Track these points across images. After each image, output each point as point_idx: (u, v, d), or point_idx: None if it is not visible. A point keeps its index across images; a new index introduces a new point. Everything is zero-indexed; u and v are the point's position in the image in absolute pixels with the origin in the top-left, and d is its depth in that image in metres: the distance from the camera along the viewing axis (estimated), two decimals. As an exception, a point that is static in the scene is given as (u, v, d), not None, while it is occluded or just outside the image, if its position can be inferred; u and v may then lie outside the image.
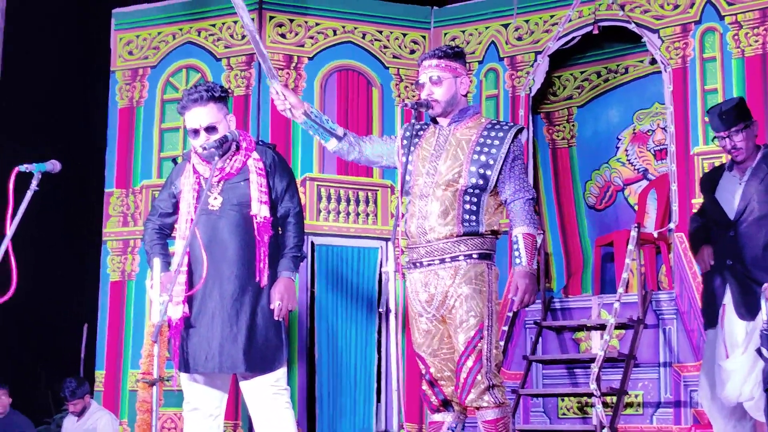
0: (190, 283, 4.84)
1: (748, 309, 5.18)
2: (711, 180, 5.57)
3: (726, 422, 5.33)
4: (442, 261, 4.48)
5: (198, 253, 4.82)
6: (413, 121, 4.64)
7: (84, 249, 9.48)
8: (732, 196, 5.34)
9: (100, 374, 8.10)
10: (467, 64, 4.91)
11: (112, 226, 8.25)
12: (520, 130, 4.57)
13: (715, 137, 5.48)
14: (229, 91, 5.07)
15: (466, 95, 4.64)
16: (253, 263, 4.86)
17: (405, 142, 4.57)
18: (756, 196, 5.25)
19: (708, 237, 5.48)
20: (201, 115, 4.86)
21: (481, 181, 4.47)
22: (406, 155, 4.48)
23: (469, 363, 4.39)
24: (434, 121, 4.66)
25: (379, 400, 7.81)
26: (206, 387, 4.93)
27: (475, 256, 4.46)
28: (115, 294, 8.11)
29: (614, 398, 7.02)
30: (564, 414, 7.66)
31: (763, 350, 4.92)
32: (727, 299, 5.26)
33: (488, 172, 4.47)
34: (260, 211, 4.85)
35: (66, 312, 10.21)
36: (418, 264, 4.54)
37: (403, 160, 4.48)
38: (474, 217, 4.47)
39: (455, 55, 4.61)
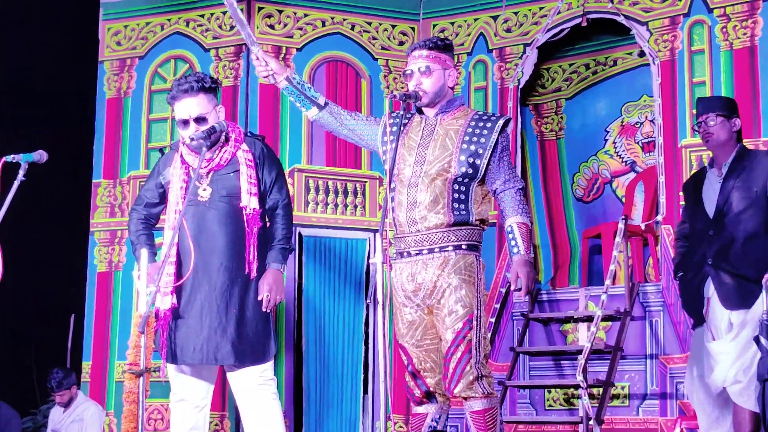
0: (178, 274, 4.83)
1: (734, 301, 5.20)
2: (695, 181, 5.59)
3: (711, 411, 5.35)
4: (431, 251, 4.49)
5: (186, 244, 4.82)
6: (401, 111, 4.64)
7: (71, 240, 9.45)
8: (713, 194, 5.37)
9: (86, 365, 8.08)
10: (455, 57, 4.92)
11: (99, 216, 8.23)
12: (507, 122, 4.59)
13: (695, 124, 5.50)
14: (219, 82, 5.05)
15: (453, 87, 4.65)
16: (242, 255, 4.85)
17: (394, 129, 4.57)
18: (733, 192, 5.27)
19: (688, 250, 5.50)
20: (191, 105, 4.85)
21: (470, 170, 4.49)
22: (395, 142, 4.48)
23: (458, 353, 4.40)
24: (420, 111, 4.66)
25: (366, 391, 7.82)
26: (193, 378, 4.93)
27: (464, 246, 4.48)
28: (102, 285, 8.09)
29: (600, 390, 7.04)
30: (550, 405, 7.67)
31: (762, 339, 4.94)
32: (711, 293, 5.28)
33: (477, 162, 4.49)
34: (250, 202, 4.85)
35: (53, 302, 10.18)
36: (405, 254, 4.54)
37: (392, 146, 4.48)
38: (463, 206, 4.48)
39: (445, 47, 4.63)
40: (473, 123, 4.56)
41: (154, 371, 4.55)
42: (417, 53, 4.60)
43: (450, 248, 4.47)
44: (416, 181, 4.51)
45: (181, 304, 4.84)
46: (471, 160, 4.49)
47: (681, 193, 7.24)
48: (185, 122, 4.86)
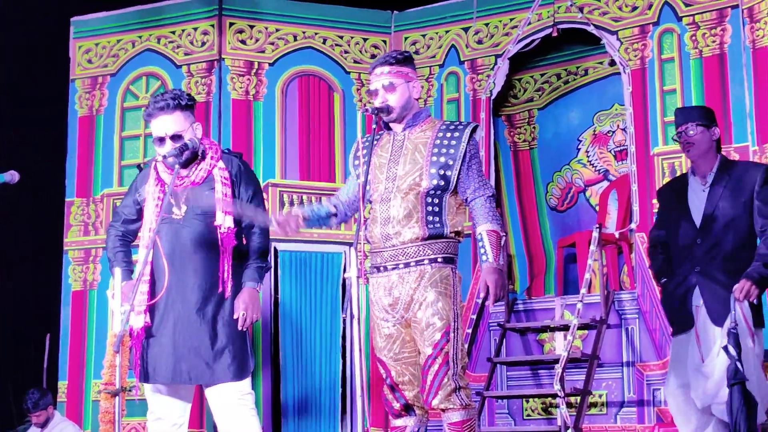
0: (152, 293, 4.81)
1: (720, 314, 5.21)
2: (675, 189, 5.56)
3: (697, 420, 5.33)
4: (407, 265, 4.49)
5: (160, 262, 4.79)
6: (374, 128, 4.64)
7: (45, 259, 9.40)
8: (698, 203, 5.36)
9: (62, 385, 8.04)
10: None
11: (73, 235, 8.20)
12: (474, 129, 4.60)
13: (675, 134, 5.51)
14: (193, 98, 5.02)
15: (419, 99, 4.66)
16: (217, 273, 4.82)
17: (365, 151, 4.57)
18: (721, 202, 5.28)
19: (668, 256, 5.50)
20: (167, 123, 4.83)
21: (442, 182, 4.50)
22: (366, 164, 4.49)
23: (436, 366, 4.40)
24: (387, 127, 4.66)
25: (344, 405, 7.81)
26: (169, 397, 4.90)
27: (440, 260, 4.48)
28: (77, 303, 8.06)
29: (578, 398, 7.05)
30: (529, 415, 7.68)
31: (730, 348, 4.96)
32: (700, 302, 5.28)
33: (448, 173, 4.50)
34: (224, 221, 4.81)
35: (28, 322, 10.12)
36: (381, 268, 4.55)
37: (364, 168, 4.48)
38: (438, 219, 4.48)
39: (405, 60, 4.62)
40: (441, 134, 4.56)
41: (130, 390, 4.52)
42: (379, 70, 4.60)
43: (426, 262, 4.48)
44: (389, 197, 4.52)
45: (155, 323, 4.81)
46: (442, 171, 4.50)
47: (655, 201, 7.28)
48: (161, 140, 4.84)
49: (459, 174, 4.52)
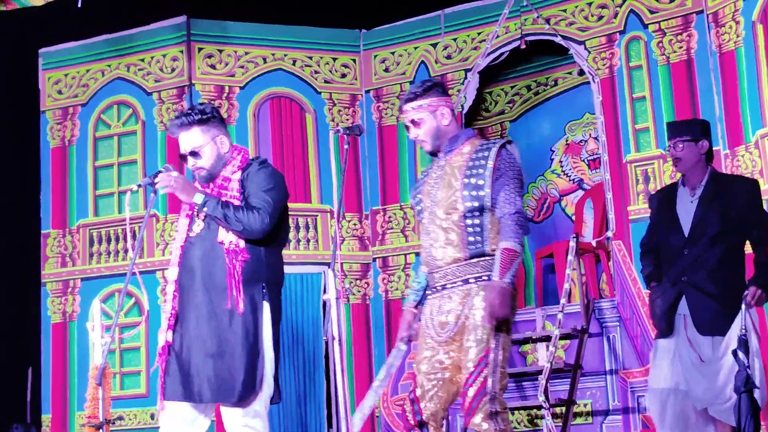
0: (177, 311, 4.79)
1: (706, 325, 5.25)
2: (666, 197, 5.62)
3: (670, 418, 5.36)
4: (454, 285, 4.52)
5: (182, 280, 4.78)
6: (346, 148, 4.65)
7: (24, 292, 9.35)
8: (687, 214, 5.43)
9: (46, 418, 7.99)
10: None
11: (50, 267, 8.17)
12: (504, 144, 4.59)
13: (666, 148, 5.60)
14: (215, 111, 4.90)
15: (449, 124, 4.65)
16: (226, 290, 4.76)
17: (418, 184, 4.71)
18: (709, 215, 5.35)
19: (659, 263, 5.54)
20: (185, 140, 4.81)
21: (476, 203, 4.51)
22: (420, 193, 4.65)
23: (474, 387, 4.37)
24: (435, 155, 4.71)
25: (330, 426, 7.79)
26: (188, 416, 4.83)
27: (485, 278, 4.48)
28: (58, 336, 8.02)
29: (563, 409, 7.06)
30: (515, 427, 7.69)
31: (740, 353, 4.99)
32: (686, 310, 5.33)
33: (481, 193, 4.51)
34: (227, 237, 4.78)
35: (9, 356, 10.06)
36: (434, 289, 4.60)
37: (418, 198, 4.66)
38: (479, 238, 4.50)
39: (426, 91, 4.65)
40: (474, 155, 4.58)
41: (113, 422, 4.48)
42: (404, 108, 4.69)
43: (471, 280, 4.49)
44: (431, 221, 4.57)
45: (174, 341, 4.78)
46: (475, 193, 4.51)
47: (630, 208, 7.33)
48: (183, 157, 4.85)
49: (492, 192, 4.53)
